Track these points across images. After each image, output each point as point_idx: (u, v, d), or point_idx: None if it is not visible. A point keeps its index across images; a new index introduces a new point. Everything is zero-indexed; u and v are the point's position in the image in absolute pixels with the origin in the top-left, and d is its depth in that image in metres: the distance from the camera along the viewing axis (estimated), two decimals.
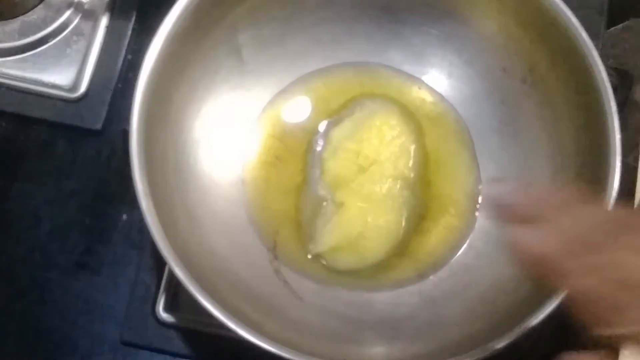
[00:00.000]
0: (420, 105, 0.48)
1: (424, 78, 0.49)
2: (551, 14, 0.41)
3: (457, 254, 0.46)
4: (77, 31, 0.52)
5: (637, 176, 0.52)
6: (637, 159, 0.52)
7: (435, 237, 0.46)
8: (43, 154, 0.51)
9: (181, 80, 0.42)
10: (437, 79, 0.49)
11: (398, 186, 0.46)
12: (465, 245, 0.46)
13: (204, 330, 0.46)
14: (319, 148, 0.47)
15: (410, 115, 0.48)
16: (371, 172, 0.46)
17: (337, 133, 0.47)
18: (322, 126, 0.48)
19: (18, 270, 0.49)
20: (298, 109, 0.48)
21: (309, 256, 0.45)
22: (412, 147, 0.47)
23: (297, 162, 0.47)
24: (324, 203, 0.46)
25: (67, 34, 0.52)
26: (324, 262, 0.45)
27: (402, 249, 0.46)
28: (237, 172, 0.47)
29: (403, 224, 0.45)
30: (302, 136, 0.48)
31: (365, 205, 0.46)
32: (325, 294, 0.45)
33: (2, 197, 0.50)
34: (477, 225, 0.46)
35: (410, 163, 0.46)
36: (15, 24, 0.51)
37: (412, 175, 0.46)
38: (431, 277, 0.46)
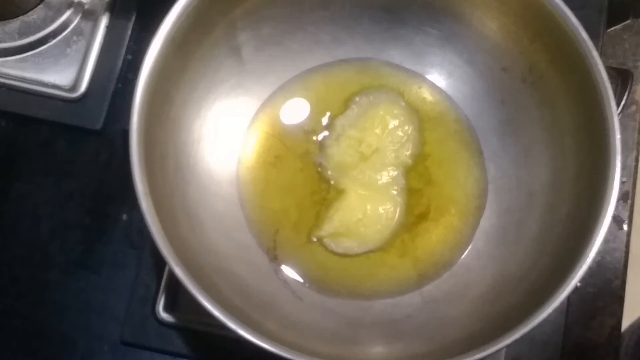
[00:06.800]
0: (420, 104, 0.48)
1: (424, 77, 0.49)
2: (551, 14, 0.41)
3: (459, 256, 0.46)
4: (77, 31, 0.52)
5: (637, 176, 0.52)
6: (637, 159, 0.52)
7: (435, 236, 0.47)
8: (43, 154, 0.51)
9: (181, 80, 0.42)
10: (437, 78, 0.49)
11: (399, 175, 0.46)
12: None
13: (204, 330, 0.46)
14: (322, 135, 0.47)
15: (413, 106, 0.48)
16: (372, 160, 0.47)
17: (341, 121, 0.47)
18: (324, 120, 0.48)
19: (18, 270, 0.49)
20: (298, 108, 0.48)
21: (314, 239, 0.46)
22: (414, 136, 0.47)
23: (296, 161, 0.47)
24: (326, 189, 0.46)
25: (67, 34, 0.52)
26: (328, 246, 0.46)
27: (402, 248, 0.46)
28: (237, 172, 0.47)
29: (400, 211, 0.46)
30: (302, 136, 0.48)
31: (365, 193, 0.46)
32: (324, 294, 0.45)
33: (2, 197, 0.50)
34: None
35: (412, 152, 0.47)
36: (15, 24, 0.51)
37: (412, 163, 0.47)
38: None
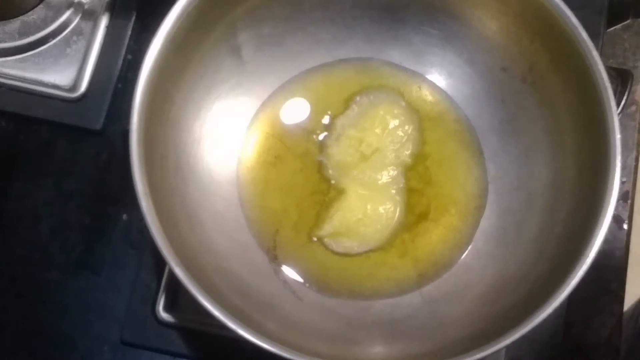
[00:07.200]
0: (420, 104, 0.48)
1: (424, 77, 0.49)
2: (551, 14, 0.41)
3: (459, 256, 0.46)
4: (77, 31, 0.52)
5: (637, 176, 0.52)
6: (637, 159, 0.52)
7: (435, 236, 0.47)
8: (43, 154, 0.51)
9: (181, 80, 0.42)
10: (437, 78, 0.49)
11: (399, 175, 0.46)
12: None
13: (204, 330, 0.46)
14: (322, 135, 0.47)
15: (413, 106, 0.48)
16: (373, 160, 0.47)
17: (341, 121, 0.48)
18: (325, 120, 0.48)
19: (18, 270, 0.49)
20: (298, 108, 0.48)
21: (315, 239, 0.46)
22: (414, 136, 0.47)
23: (296, 161, 0.47)
24: (326, 189, 0.46)
25: (67, 34, 0.52)
26: (328, 246, 0.46)
27: (402, 248, 0.46)
28: (237, 172, 0.47)
29: (400, 211, 0.46)
30: (302, 136, 0.48)
31: (365, 193, 0.46)
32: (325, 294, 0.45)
33: (2, 197, 0.50)
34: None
35: (412, 152, 0.47)
36: (15, 24, 0.51)
37: (412, 163, 0.47)
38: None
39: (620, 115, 0.40)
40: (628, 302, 0.51)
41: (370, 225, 0.46)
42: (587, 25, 0.40)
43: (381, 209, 0.46)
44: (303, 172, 0.47)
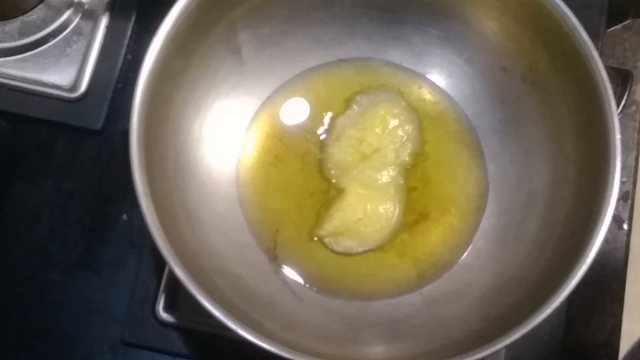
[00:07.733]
0: (421, 104, 0.49)
1: (424, 77, 0.49)
2: (551, 14, 0.41)
3: (459, 256, 0.46)
4: (77, 31, 0.52)
5: (637, 176, 0.52)
6: (637, 159, 0.52)
7: (435, 236, 0.47)
8: (43, 154, 0.51)
9: (181, 80, 0.42)
10: (437, 78, 0.49)
11: (399, 174, 0.46)
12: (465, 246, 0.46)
13: (204, 330, 0.46)
14: (322, 135, 0.47)
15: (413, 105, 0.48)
16: (373, 159, 0.47)
17: (341, 120, 0.47)
18: (325, 120, 0.48)
19: (18, 270, 0.49)
20: (298, 108, 0.48)
21: (315, 239, 0.46)
22: (414, 136, 0.47)
23: (296, 161, 0.47)
24: (326, 189, 0.46)
25: (67, 34, 0.52)
26: (328, 246, 0.46)
27: (402, 248, 0.46)
28: (237, 172, 0.47)
29: (400, 211, 0.46)
30: (302, 136, 0.48)
31: (365, 192, 0.46)
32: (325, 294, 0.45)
33: (2, 197, 0.50)
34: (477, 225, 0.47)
35: (412, 151, 0.47)
36: (15, 24, 0.51)
37: (413, 163, 0.47)
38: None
39: (620, 115, 0.40)
40: (628, 302, 0.51)
41: (370, 225, 0.46)
42: (587, 25, 0.40)
43: (381, 209, 0.46)
44: (303, 172, 0.47)
